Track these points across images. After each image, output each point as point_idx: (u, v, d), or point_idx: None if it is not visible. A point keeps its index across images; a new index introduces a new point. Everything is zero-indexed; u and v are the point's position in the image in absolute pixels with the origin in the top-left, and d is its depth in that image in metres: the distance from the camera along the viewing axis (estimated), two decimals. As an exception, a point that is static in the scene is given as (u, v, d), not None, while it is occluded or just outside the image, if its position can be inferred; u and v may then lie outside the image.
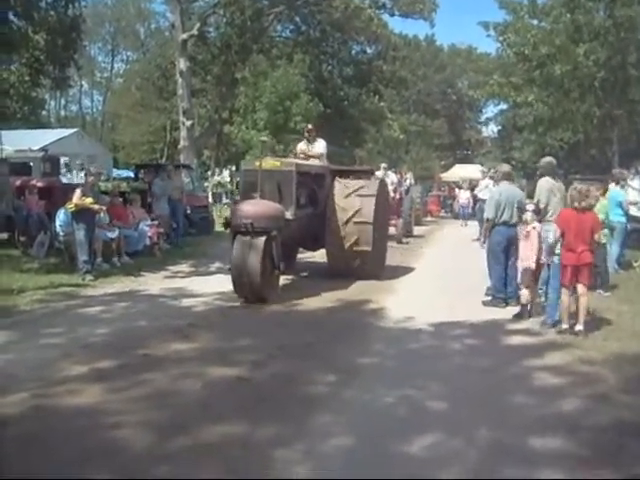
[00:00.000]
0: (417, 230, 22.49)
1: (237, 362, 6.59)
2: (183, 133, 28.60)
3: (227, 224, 10.10)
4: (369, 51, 39.11)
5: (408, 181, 24.62)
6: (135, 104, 53.00)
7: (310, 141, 13.31)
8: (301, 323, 8.53)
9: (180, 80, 28.20)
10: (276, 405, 5.45)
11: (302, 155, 13.04)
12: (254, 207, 9.65)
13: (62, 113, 71.90)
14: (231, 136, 31.43)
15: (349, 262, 11.51)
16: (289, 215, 10.29)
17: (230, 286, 9.63)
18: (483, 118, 70.42)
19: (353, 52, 39.00)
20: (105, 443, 4.66)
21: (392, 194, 20.34)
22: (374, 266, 11.80)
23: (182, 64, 27.96)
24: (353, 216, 11.50)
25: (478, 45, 74.14)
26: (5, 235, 14.41)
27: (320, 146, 13.24)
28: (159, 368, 6.36)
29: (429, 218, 30.17)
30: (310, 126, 14.00)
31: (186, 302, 9.70)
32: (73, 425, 4.96)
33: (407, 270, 13.31)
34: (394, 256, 14.63)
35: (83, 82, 67.61)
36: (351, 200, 11.64)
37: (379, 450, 4.66)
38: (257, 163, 10.51)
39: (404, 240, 19.16)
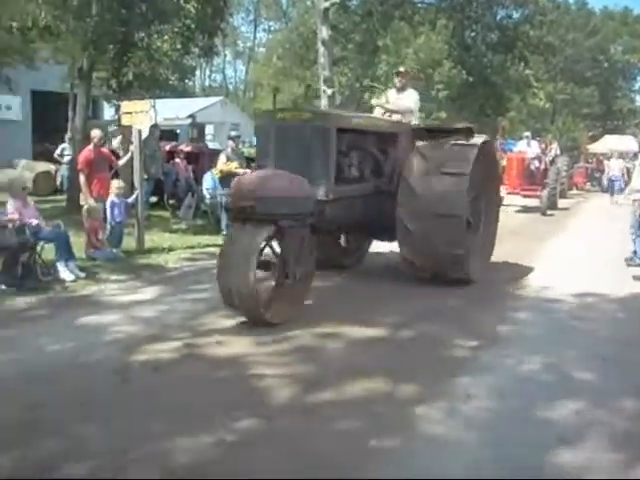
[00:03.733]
0: (562, 203, 21.62)
1: (378, 323, 6.64)
2: (324, 102, 28.72)
3: (227, 207, 7.67)
4: (515, 15, 37.57)
5: (553, 151, 23.70)
6: (276, 73, 53.85)
7: (400, 90, 9.78)
8: (438, 290, 8.35)
9: (321, 49, 28.28)
10: (417, 365, 5.47)
11: (379, 109, 9.63)
12: (259, 182, 6.59)
13: (206, 83, 74.40)
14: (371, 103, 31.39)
15: (430, 246, 7.92)
16: (322, 194, 7.08)
17: (381, 249, 9.39)
18: (637, 86, 66.33)
19: (498, 17, 37.63)
20: (250, 392, 4.86)
21: (537, 164, 19.79)
22: (470, 258, 8.25)
23: (324, 32, 28.01)
24: (438, 167, 8.06)
25: (634, 7, 69.73)
26: (155, 198, 15.16)
27: (410, 98, 9.57)
28: (302, 325, 6.52)
29: (574, 191, 28.91)
30: (403, 69, 10.68)
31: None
32: (220, 373, 5.22)
33: (550, 242, 12.87)
34: (537, 227, 14.23)
35: (227, 52, 69.54)
36: (440, 150, 8.27)
37: (521, 413, 4.60)
38: (276, 115, 7.71)
39: (548, 212, 18.50)
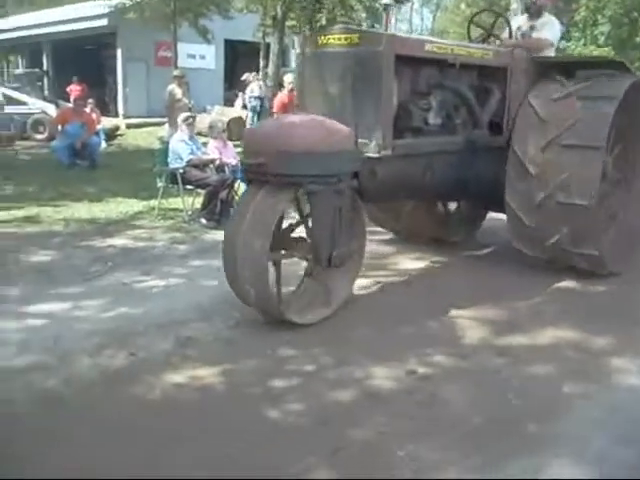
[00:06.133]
0: None
1: (561, 276, 6.28)
2: (515, 50, 27.69)
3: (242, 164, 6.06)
4: None
5: None
6: (464, 20, 52.48)
7: (533, 16, 7.04)
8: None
9: (515, -7, 27.08)
10: (610, 318, 5.25)
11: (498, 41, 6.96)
12: (275, 131, 4.77)
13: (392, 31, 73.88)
14: (567, 52, 29.72)
15: (548, 228, 5.91)
16: (372, 149, 5.15)
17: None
18: None
19: None
20: (443, 330, 4.94)
21: None
22: (603, 245, 5.98)
23: (517, -25, 26.76)
24: (559, 136, 5.81)
25: None
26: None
27: (548, 28, 6.90)
28: (488, 270, 6.52)
29: None
30: None
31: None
32: (411, 312, 5.28)
33: None
34: None
35: (414, 0, 68.53)
36: (562, 106, 5.90)
37: None
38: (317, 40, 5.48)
39: None
